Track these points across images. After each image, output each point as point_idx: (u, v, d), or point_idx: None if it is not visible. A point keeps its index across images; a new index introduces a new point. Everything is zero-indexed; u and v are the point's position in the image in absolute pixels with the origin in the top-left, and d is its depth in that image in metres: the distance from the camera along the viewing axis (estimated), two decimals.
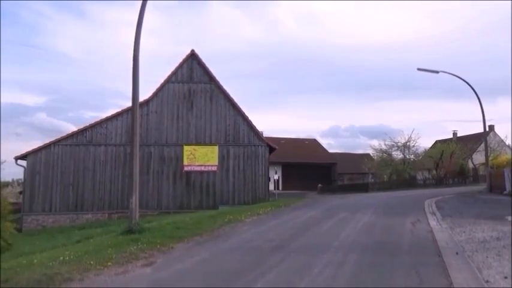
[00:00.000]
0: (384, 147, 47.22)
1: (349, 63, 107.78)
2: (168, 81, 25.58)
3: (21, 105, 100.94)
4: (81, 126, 25.01)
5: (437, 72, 24.75)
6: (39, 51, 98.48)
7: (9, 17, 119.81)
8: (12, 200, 27.90)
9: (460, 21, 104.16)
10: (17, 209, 24.94)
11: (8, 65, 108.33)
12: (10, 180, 42.19)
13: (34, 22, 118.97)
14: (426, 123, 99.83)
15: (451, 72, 25.29)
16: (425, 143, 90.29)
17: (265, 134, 34.73)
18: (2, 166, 22.39)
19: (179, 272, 6.36)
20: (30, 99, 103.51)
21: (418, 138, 49.38)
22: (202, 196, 24.87)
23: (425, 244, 8.39)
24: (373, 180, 49.60)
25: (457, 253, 7.21)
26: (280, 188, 42.32)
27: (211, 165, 25.18)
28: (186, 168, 24.97)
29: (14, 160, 23.33)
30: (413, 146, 46.39)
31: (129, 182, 11.92)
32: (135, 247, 8.19)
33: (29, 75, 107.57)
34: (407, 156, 46.68)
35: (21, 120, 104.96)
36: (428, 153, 47.67)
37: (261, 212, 15.97)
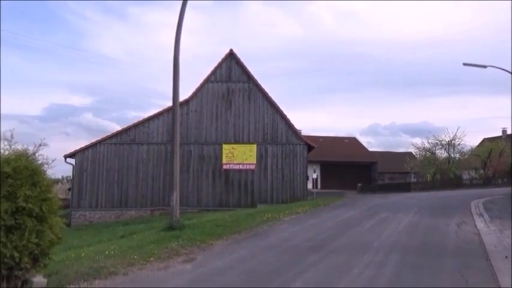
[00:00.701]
0: (427, 145, 45.63)
1: (389, 59, 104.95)
2: (207, 80, 25.98)
3: (69, 106, 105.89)
4: (125, 126, 25.93)
5: (485, 66, 23.54)
6: (85, 54, 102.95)
7: (59, 22, 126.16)
8: (61, 196, 29.36)
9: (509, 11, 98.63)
10: (66, 205, 26.29)
11: (57, 67, 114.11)
12: (60, 177, 44.28)
13: (81, 26, 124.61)
14: (473, 120, 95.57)
15: (500, 66, 24.01)
16: (471, 141, 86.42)
17: (304, 133, 34.50)
18: (52, 164, 23.47)
19: (218, 269, 6.46)
20: (77, 100, 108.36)
21: (464, 136, 47.10)
22: (240, 194, 25.08)
23: (471, 247, 8.05)
24: (415, 179, 48.07)
25: (506, 257, 6.88)
26: (319, 187, 41.93)
27: (250, 164, 25.34)
28: (224, 167, 25.27)
29: (63, 158, 24.50)
30: (459, 144, 44.57)
31: (170, 180, 12.24)
32: (176, 243, 8.41)
33: (76, 77, 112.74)
34: (452, 155, 44.86)
35: (69, 120, 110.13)
36: (475, 151, 45.58)
37: (299, 210, 15.91)
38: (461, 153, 45.60)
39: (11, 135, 5.17)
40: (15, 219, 4.60)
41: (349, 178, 43.24)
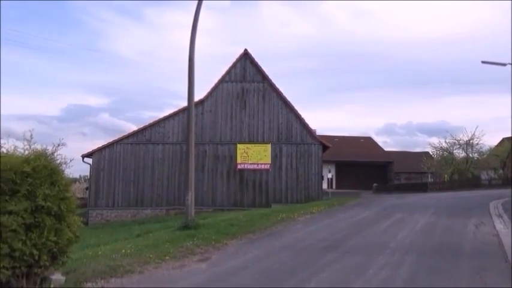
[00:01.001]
0: (444, 145, 44.77)
1: (405, 58, 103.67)
2: (222, 80, 26.09)
3: (86, 106, 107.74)
4: (141, 126, 26.22)
5: (504, 64, 22.98)
6: (101, 55, 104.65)
7: (75, 24, 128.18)
8: (79, 195, 29.86)
9: None
10: (83, 204, 26.72)
11: (74, 68, 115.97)
12: (77, 176, 44.97)
13: (98, 28, 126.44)
14: (491, 119, 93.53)
15: None
16: (490, 140, 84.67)
17: (319, 132, 34.27)
18: (70, 163, 23.90)
19: (233, 269, 6.48)
20: (94, 101, 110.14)
21: (483, 135, 46.09)
22: (255, 194, 25.11)
23: (490, 248, 7.90)
24: (432, 180, 47.33)
25: None
26: (334, 187, 41.66)
27: (264, 164, 25.35)
28: (239, 167, 25.34)
29: (80, 158, 24.90)
30: (477, 143, 43.67)
31: (185, 180, 12.33)
32: (191, 242, 8.46)
33: (92, 78, 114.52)
34: (470, 155, 44.01)
35: (85, 120, 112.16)
36: (494, 151, 44.62)
37: (314, 210, 15.84)
38: (480, 153, 44.68)
39: (31, 136, 5.28)
40: (35, 217, 4.70)
41: (364, 178, 42.86)
